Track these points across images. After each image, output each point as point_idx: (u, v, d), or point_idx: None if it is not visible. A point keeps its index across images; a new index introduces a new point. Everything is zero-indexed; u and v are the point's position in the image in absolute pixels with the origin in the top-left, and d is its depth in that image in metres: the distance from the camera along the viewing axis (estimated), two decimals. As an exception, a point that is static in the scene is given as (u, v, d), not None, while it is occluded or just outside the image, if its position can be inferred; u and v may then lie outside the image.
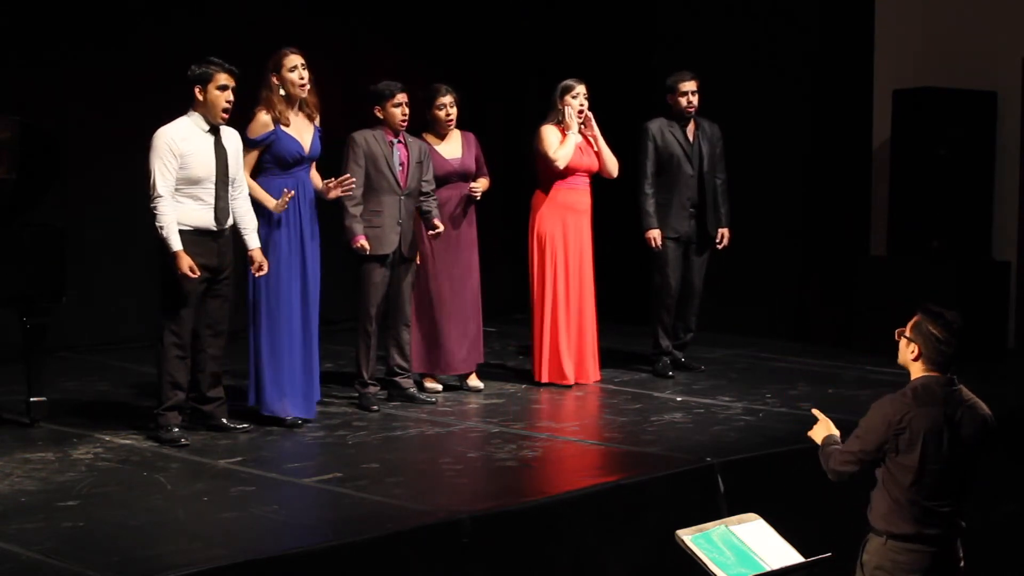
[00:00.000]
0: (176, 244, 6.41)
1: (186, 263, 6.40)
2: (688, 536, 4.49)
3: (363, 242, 7.23)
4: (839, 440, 4.75)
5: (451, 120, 7.73)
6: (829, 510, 5.88)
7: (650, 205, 8.27)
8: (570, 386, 7.98)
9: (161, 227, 6.40)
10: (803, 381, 8.26)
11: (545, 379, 8.02)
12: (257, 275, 6.78)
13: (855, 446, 4.59)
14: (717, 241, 8.44)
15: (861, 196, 9.89)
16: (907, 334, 4.59)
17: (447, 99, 7.71)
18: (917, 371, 4.59)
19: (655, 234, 8.25)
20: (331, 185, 7.07)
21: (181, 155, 6.45)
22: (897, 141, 9.42)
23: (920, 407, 4.49)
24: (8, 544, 4.94)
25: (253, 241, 6.74)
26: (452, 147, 7.80)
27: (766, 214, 9.92)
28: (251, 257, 6.74)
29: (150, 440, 6.61)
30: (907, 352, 4.60)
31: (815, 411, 4.93)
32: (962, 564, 4.61)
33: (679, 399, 7.77)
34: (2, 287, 6.81)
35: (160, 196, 6.41)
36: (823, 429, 4.84)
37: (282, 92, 6.90)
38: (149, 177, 6.43)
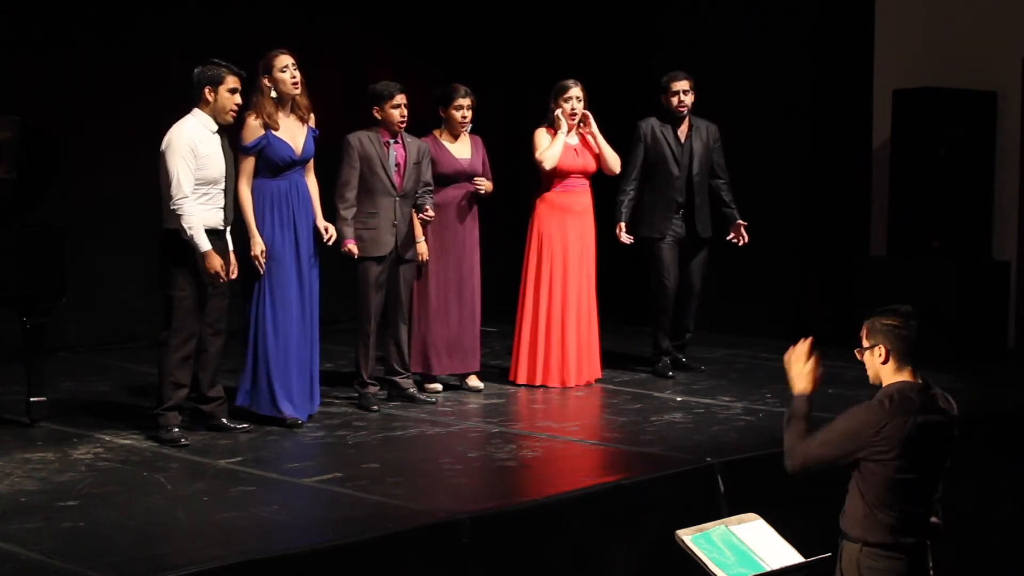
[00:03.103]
0: (205, 244, 6.40)
1: (218, 262, 6.40)
2: (688, 536, 4.49)
3: (351, 246, 7.21)
4: (807, 411, 4.52)
5: (466, 122, 7.73)
6: (829, 510, 5.88)
7: (624, 199, 8.25)
8: (541, 387, 7.96)
9: (189, 227, 6.38)
10: (803, 381, 8.25)
11: (520, 380, 8.01)
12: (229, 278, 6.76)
13: (825, 451, 4.44)
14: (735, 239, 8.37)
15: (861, 196, 9.90)
16: (865, 343, 4.49)
17: (466, 101, 7.71)
18: (889, 375, 4.47)
19: (621, 226, 8.21)
20: (327, 231, 7.09)
21: (199, 155, 6.45)
22: (897, 141, 9.42)
23: (897, 416, 4.37)
24: (8, 544, 4.93)
25: (229, 243, 6.74)
26: (462, 147, 7.80)
27: (766, 214, 9.90)
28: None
29: (150, 440, 6.61)
30: (875, 360, 4.47)
31: (804, 344, 4.63)
32: (931, 572, 4.55)
33: (679, 399, 7.77)
34: (2, 287, 6.81)
35: (185, 196, 6.39)
36: (802, 378, 4.58)
37: (273, 94, 6.89)
38: (170, 177, 6.39)
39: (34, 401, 6.93)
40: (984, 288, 9.23)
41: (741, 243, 8.40)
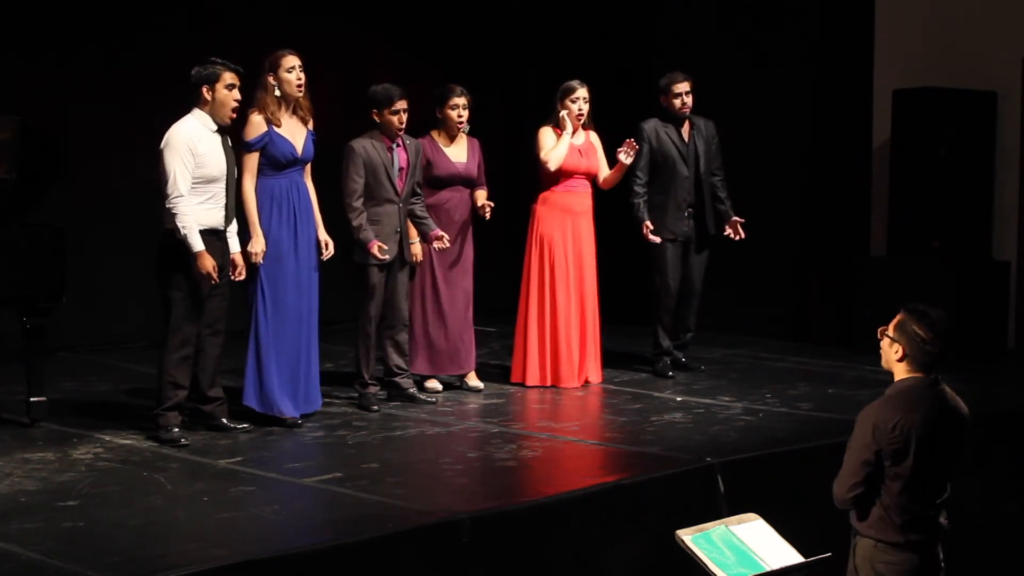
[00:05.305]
0: (198, 244, 6.40)
1: (210, 263, 6.40)
2: (688, 536, 4.49)
3: (375, 250, 7.17)
4: None
5: (462, 122, 7.71)
6: (829, 510, 5.88)
7: (641, 200, 8.19)
8: (547, 387, 7.95)
9: (184, 227, 6.38)
10: (803, 381, 8.26)
11: (518, 380, 8.01)
12: (234, 279, 6.76)
13: (854, 463, 4.45)
14: (731, 235, 8.30)
15: (861, 196, 9.89)
16: (890, 334, 4.46)
17: (461, 101, 7.69)
18: (901, 372, 4.46)
19: (647, 226, 8.13)
20: (326, 246, 7.11)
21: (198, 154, 6.45)
22: (897, 141, 9.42)
23: (909, 413, 4.37)
24: (8, 544, 4.93)
25: (235, 244, 6.75)
26: (459, 150, 7.78)
27: (766, 214, 9.90)
28: (233, 261, 6.73)
29: (150, 440, 6.61)
30: (891, 352, 4.46)
31: None
32: (942, 565, 4.56)
33: (679, 399, 7.77)
34: (2, 287, 6.81)
35: (181, 195, 6.39)
36: None
37: (277, 93, 6.90)
38: (167, 176, 6.40)
39: (34, 401, 6.94)
40: (984, 288, 9.23)
41: (737, 239, 8.35)
